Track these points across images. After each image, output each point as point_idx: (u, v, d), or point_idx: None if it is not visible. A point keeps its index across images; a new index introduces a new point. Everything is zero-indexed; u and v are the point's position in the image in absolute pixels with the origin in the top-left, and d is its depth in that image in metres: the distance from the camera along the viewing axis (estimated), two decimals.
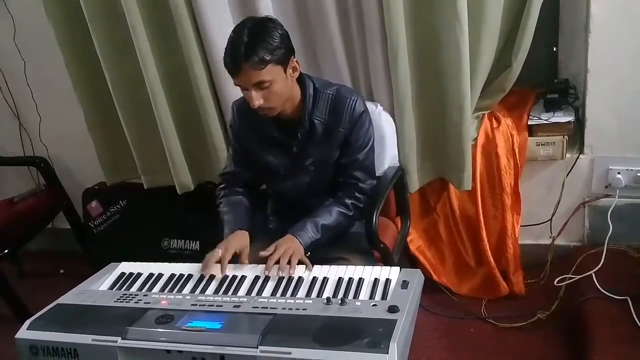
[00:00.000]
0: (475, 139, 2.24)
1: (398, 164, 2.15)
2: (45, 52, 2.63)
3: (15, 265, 3.08)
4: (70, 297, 1.56)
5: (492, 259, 2.30)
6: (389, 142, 2.08)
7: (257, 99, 1.60)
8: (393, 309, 1.31)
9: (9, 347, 1.46)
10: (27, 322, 1.44)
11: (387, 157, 2.07)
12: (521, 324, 2.15)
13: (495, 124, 2.26)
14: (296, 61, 1.67)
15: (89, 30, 2.34)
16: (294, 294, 1.48)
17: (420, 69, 2.09)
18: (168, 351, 1.31)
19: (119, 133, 2.56)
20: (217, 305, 1.43)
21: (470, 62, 1.99)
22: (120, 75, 2.43)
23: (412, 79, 2.08)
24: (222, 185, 1.95)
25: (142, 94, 2.39)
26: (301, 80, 1.74)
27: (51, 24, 2.42)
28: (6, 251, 2.61)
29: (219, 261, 1.63)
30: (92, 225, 2.88)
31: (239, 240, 1.71)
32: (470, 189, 2.21)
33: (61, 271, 3.11)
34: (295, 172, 1.84)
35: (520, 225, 2.33)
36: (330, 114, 1.75)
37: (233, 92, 2.17)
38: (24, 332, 1.42)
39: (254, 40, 1.54)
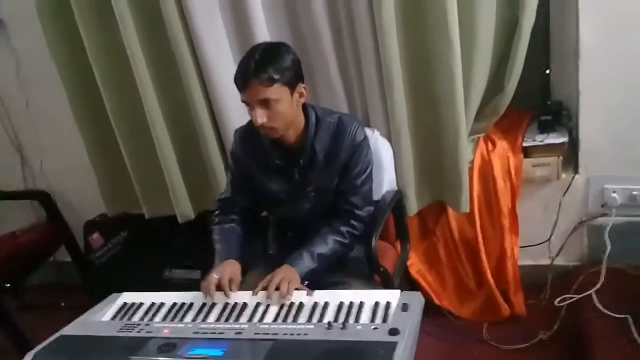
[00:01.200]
0: (472, 162, 2.27)
1: (396, 188, 2.17)
2: (48, 86, 2.68)
3: (17, 298, 3.06)
4: (73, 328, 1.57)
5: (492, 281, 2.31)
6: (387, 167, 2.11)
7: (261, 117, 1.62)
8: (394, 332, 1.32)
9: None
10: (31, 353, 1.44)
11: (386, 182, 2.09)
12: (523, 345, 2.15)
13: (490, 147, 2.29)
14: (304, 87, 1.70)
15: (90, 64, 2.39)
16: (295, 319, 1.48)
17: (415, 94, 2.13)
18: None
19: (120, 163, 2.59)
20: (219, 333, 1.44)
21: (464, 86, 2.03)
22: (121, 107, 2.48)
23: (407, 104, 2.12)
24: (217, 212, 1.96)
25: (142, 124, 2.42)
26: (304, 108, 1.77)
27: (53, 60, 2.48)
28: (7, 285, 2.61)
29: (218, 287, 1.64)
30: (94, 257, 2.88)
31: (231, 268, 1.72)
32: (468, 211, 2.22)
33: (62, 304, 3.09)
34: (296, 199, 1.86)
35: (519, 247, 2.34)
36: (331, 141, 1.78)
37: (233, 120, 2.22)
38: None
39: (264, 59, 1.59)
